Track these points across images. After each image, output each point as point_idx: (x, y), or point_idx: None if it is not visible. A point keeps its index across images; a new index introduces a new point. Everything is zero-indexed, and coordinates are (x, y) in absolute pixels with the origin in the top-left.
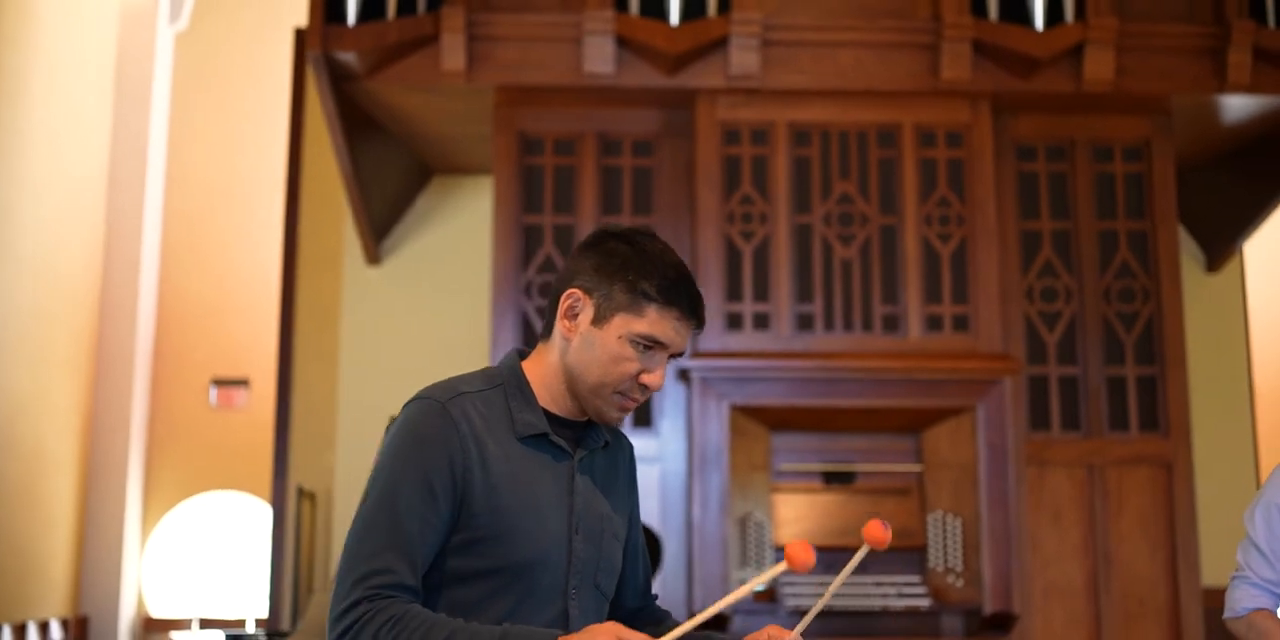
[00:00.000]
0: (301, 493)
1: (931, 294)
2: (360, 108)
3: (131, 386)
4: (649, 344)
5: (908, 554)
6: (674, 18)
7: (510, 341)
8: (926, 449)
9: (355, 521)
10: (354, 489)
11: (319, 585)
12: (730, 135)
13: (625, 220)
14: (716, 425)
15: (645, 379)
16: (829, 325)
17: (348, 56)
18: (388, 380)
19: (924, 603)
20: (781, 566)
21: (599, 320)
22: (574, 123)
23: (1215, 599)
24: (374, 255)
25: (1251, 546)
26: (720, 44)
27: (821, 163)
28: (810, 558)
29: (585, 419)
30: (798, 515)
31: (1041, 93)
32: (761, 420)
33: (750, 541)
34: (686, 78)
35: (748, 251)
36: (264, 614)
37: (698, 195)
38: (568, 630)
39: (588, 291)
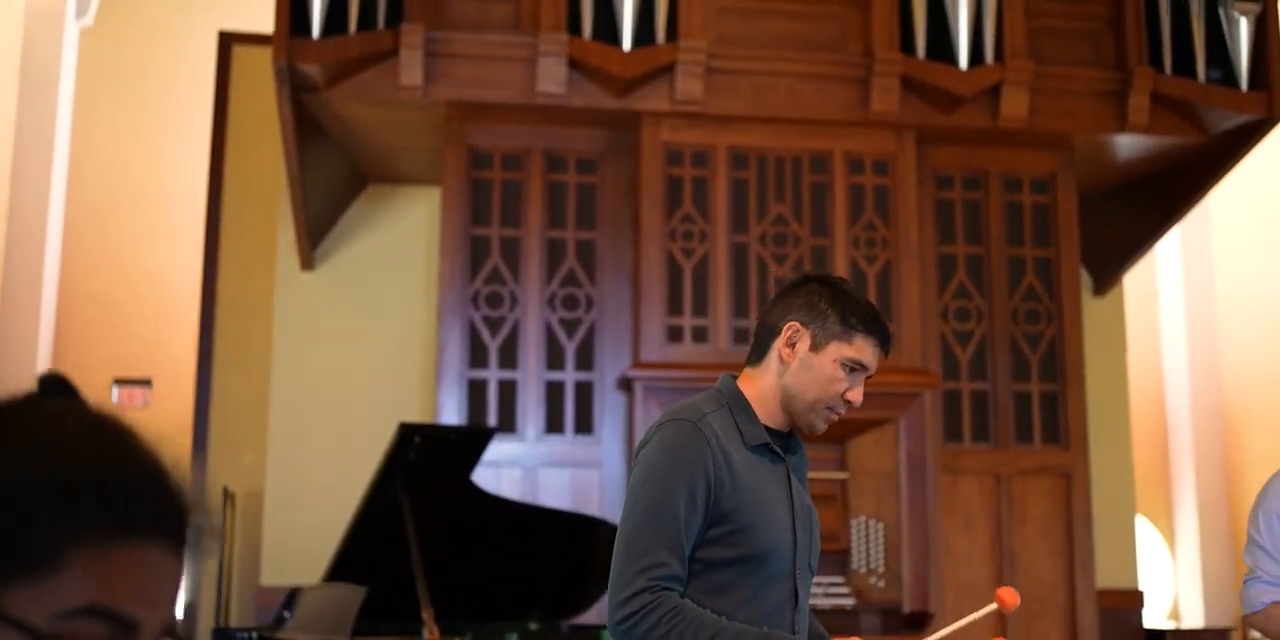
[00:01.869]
0: (225, 493)
1: None
2: (310, 116)
3: (32, 383)
4: (855, 366)
5: (833, 556)
6: (626, 43)
7: (458, 349)
8: (851, 458)
9: (626, 523)
10: (285, 489)
11: (239, 584)
12: (673, 156)
13: (569, 234)
14: None
15: (850, 396)
16: None
17: (310, 68)
18: (320, 383)
19: (848, 602)
20: (993, 606)
21: (816, 347)
22: (522, 139)
23: (1108, 600)
24: (308, 260)
25: (1258, 549)
26: (667, 70)
27: (758, 185)
28: (1017, 600)
29: (788, 430)
30: None
31: (961, 127)
32: None
33: None
34: (633, 100)
35: (688, 268)
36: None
37: (641, 213)
38: (797, 603)
39: (805, 324)
